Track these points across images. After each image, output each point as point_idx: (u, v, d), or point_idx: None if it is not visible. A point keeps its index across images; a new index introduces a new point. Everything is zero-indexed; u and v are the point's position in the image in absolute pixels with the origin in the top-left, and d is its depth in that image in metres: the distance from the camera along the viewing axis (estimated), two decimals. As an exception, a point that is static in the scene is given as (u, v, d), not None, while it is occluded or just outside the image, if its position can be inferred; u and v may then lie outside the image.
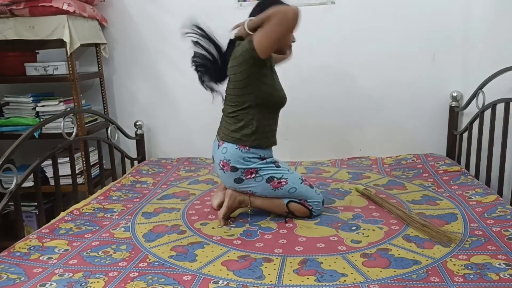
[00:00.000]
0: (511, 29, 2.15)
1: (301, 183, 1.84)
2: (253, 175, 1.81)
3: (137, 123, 2.82)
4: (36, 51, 2.70)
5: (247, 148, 1.80)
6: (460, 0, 2.48)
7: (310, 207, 1.82)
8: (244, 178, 1.81)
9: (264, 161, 1.83)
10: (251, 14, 1.81)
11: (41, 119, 2.49)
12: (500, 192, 2.04)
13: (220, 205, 1.91)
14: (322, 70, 2.67)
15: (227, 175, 1.83)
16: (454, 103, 2.56)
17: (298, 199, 1.82)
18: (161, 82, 2.84)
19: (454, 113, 2.55)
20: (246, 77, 1.75)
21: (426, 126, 2.66)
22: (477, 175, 2.27)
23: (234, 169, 1.80)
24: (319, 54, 2.65)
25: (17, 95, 2.57)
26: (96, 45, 2.73)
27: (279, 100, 1.86)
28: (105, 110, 2.84)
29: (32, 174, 1.88)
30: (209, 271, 1.42)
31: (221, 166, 1.83)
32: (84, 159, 2.41)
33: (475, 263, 1.40)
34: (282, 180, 1.81)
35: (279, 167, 1.85)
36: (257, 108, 1.80)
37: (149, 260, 1.51)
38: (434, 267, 1.39)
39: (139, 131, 2.83)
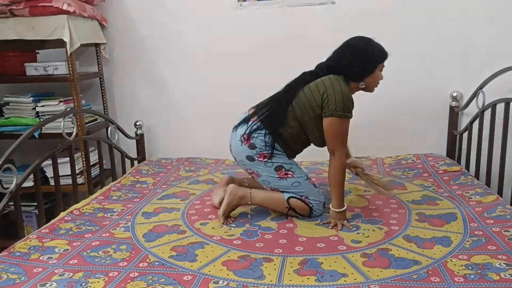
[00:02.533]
0: (511, 29, 2.16)
1: (306, 179, 1.86)
2: (265, 159, 1.84)
3: (137, 123, 2.82)
4: (36, 51, 2.70)
5: (272, 140, 1.83)
6: (460, 0, 2.48)
7: (311, 205, 1.83)
8: (256, 158, 1.84)
9: (280, 152, 1.86)
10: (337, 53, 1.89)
11: (41, 119, 2.49)
12: (500, 192, 2.04)
13: (221, 203, 1.91)
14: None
15: (242, 149, 1.86)
16: (454, 103, 2.56)
17: (299, 195, 1.83)
18: (161, 82, 2.84)
19: (454, 113, 2.55)
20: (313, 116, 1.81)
21: (426, 126, 2.66)
22: (477, 175, 2.27)
23: (252, 146, 1.84)
24: (318, 54, 2.63)
25: (17, 95, 2.57)
26: (96, 45, 2.73)
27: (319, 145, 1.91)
28: (105, 110, 2.84)
29: (32, 174, 1.88)
30: (209, 271, 1.42)
31: (242, 138, 1.85)
32: (84, 159, 2.41)
33: (475, 263, 1.40)
34: (289, 172, 1.84)
35: (291, 159, 1.89)
36: (301, 133, 1.86)
37: (149, 260, 1.51)
38: (434, 267, 1.39)
39: (139, 131, 2.83)
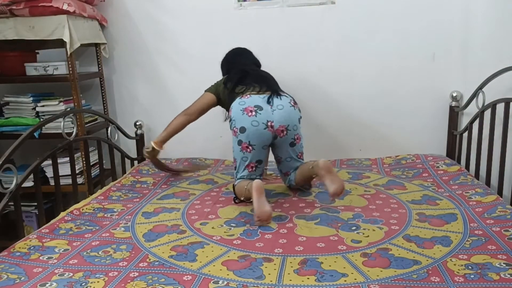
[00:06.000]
0: (511, 29, 2.16)
1: None
2: None
3: (137, 123, 2.82)
4: (36, 51, 2.70)
5: None
6: (460, 0, 2.48)
7: None
8: (300, 120, 2.12)
9: None
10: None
11: (41, 119, 2.49)
12: (500, 192, 2.04)
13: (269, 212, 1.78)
14: (321, 70, 2.67)
15: (296, 112, 2.08)
16: (454, 103, 2.56)
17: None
18: (161, 82, 2.84)
19: (454, 113, 2.55)
20: None
21: (426, 126, 2.66)
22: (477, 175, 2.27)
23: (299, 110, 2.11)
24: (318, 54, 2.65)
25: (17, 95, 2.57)
26: (96, 45, 2.73)
27: None
28: (105, 110, 2.84)
29: (32, 174, 1.88)
30: (209, 271, 1.42)
31: (293, 103, 2.08)
32: (84, 159, 2.41)
33: (475, 263, 1.40)
34: None
35: None
36: None
37: (149, 260, 1.51)
38: (434, 267, 1.39)
39: (139, 131, 2.83)
